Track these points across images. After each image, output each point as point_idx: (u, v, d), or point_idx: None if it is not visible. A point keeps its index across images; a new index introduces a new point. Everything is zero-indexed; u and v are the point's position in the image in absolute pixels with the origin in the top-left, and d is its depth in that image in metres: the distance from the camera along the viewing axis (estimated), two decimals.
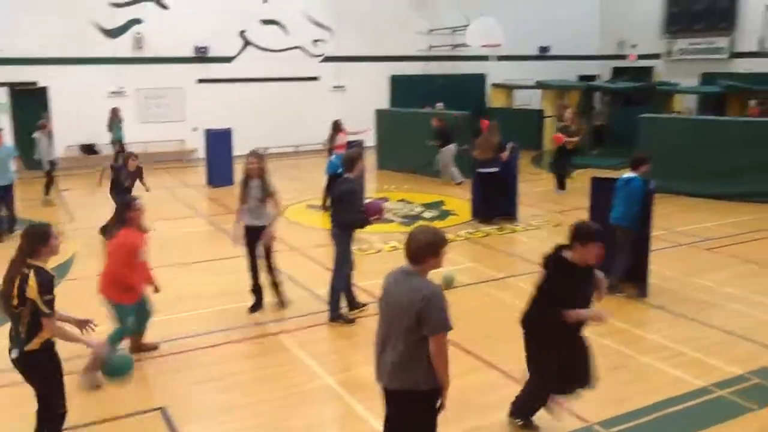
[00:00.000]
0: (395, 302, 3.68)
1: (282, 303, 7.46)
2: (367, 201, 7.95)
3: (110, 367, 4.77)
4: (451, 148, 15.06)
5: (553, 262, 4.58)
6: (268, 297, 7.48)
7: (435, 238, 3.68)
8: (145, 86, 18.79)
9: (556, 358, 4.54)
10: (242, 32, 19.90)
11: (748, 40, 20.66)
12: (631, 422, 5.06)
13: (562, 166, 14.34)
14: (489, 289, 8.13)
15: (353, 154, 6.97)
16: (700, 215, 11.78)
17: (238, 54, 19.97)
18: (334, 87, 21.27)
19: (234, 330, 6.93)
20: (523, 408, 4.90)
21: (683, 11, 22.82)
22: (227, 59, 19.78)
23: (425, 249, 3.64)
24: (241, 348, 6.58)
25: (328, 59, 21.09)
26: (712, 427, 4.99)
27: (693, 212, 12.02)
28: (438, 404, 3.74)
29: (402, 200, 13.53)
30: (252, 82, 19.87)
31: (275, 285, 7.42)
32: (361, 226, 7.02)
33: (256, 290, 7.38)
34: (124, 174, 10.14)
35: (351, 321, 7.05)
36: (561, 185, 14.11)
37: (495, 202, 11.36)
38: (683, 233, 10.58)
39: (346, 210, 6.75)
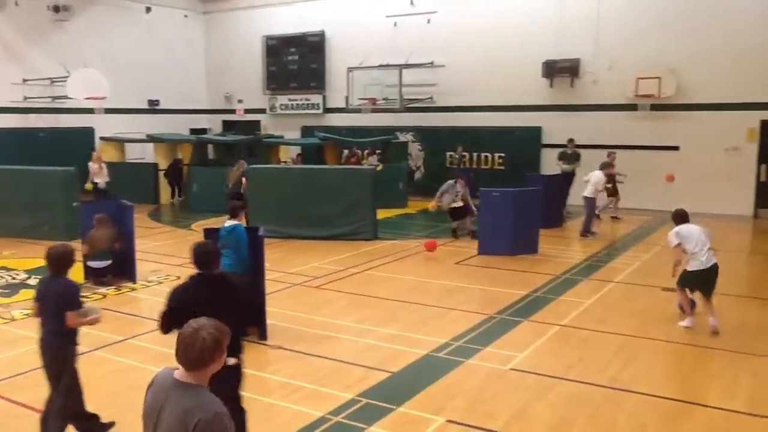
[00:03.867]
0: (162, 426, 2.90)
1: None
2: None
3: None
4: None
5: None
6: None
7: (219, 333, 2.93)
8: None
9: None
10: None
11: (337, 98, 23.35)
12: None
13: None
14: (107, 355, 7.70)
15: None
16: (309, 256, 12.84)
17: None
18: None
19: None
20: None
21: (281, 70, 24.86)
22: None
23: (211, 349, 2.88)
24: None
25: None
26: None
27: (303, 254, 13.04)
28: None
29: (2, 268, 12.06)
30: None
31: None
32: None
33: None
34: None
35: None
36: None
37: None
38: (296, 274, 11.42)
39: None
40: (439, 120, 21.66)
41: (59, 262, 5.32)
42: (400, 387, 6.77)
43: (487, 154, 21.11)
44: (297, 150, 22.69)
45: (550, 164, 18.94)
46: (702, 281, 8.38)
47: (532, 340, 8.18)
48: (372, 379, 6.94)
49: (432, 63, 21.30)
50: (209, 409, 2.83)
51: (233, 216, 8.09)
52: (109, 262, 10.80)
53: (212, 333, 2.89)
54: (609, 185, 15.85)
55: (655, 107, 18.49)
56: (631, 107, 18.76)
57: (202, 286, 4.95)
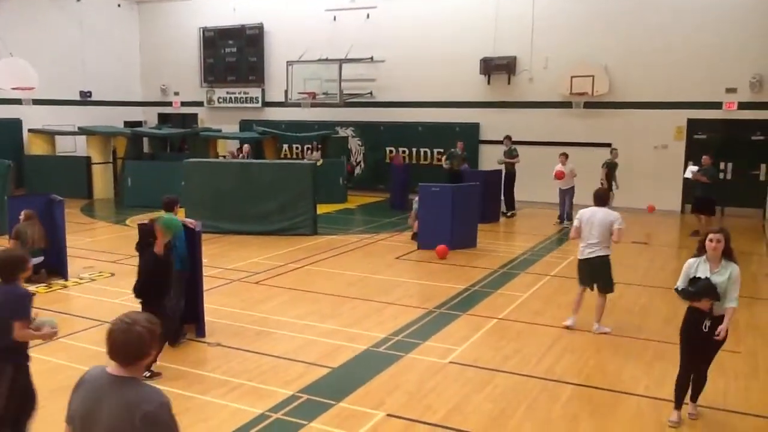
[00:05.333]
0: (100, 425, 2.82)
1: None
2: None
3: None
4: None
5: None
6: None
7: (154, 325, 2.94)
8: None
9: None
10: None
11: (276, 92, 23.11)
12: None
13: None
14: (37, 355, 7.42)
15: None
16: (248, 252, 12.70)
17: None
18: None
19: None
20: None
21: (218, 63, 24.43)
22: None
23: (148, 343, 2.88)
24: None
25: None
26: None
27: (241, 249, 12.89)
28: None
29: None
30: None
31: None
32: None
33: None
34: None
35: None
36: None
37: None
38: (235, 270, 11.28)
39: None
40: (379, 115, 21.70)
41: (7, 267, 4.79)
42: (341, 382, 6.77)
43: (426, 149, 21.29)
44: (236, 144, 22.35)
45: (488, 160, 19.24)
46: (582, 272, 8.32)
47: (470, 333, 8.30)
48: (312, 374, 6.92)
49: (371, 58, 21.31)
50: (153, 400, 2.83)
51: (168, 210, 7.92)
52: (41, 259, 10.45)
53: (146, 326, 2.89)
54: (604, 182, 16.21)
55: (588, 105, 18.98)
56: (566, 105, 19.20)
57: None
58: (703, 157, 14.98)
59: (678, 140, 18.24)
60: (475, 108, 20.41)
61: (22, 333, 4.69)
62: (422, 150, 21.34)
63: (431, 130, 20.95)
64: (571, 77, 18.65)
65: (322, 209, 15.60)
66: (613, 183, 16.26)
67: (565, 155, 15.81)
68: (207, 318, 8.15)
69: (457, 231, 12.98)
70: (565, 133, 19.05)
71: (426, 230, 13.02)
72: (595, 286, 8.33)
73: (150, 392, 2.88)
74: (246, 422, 5.83)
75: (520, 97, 19.84)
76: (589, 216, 8.15)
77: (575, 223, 8.32)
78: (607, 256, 8.15)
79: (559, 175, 15.52)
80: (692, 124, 18.12)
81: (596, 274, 8.22)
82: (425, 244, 12.92)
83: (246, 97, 24.18)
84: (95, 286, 10.31)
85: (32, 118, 21.54)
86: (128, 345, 2.83)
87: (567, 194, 15.85)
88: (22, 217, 10.47)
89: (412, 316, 8.91)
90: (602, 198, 8.28)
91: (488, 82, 20.14)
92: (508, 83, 19.89)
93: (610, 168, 16.37)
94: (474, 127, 20.47)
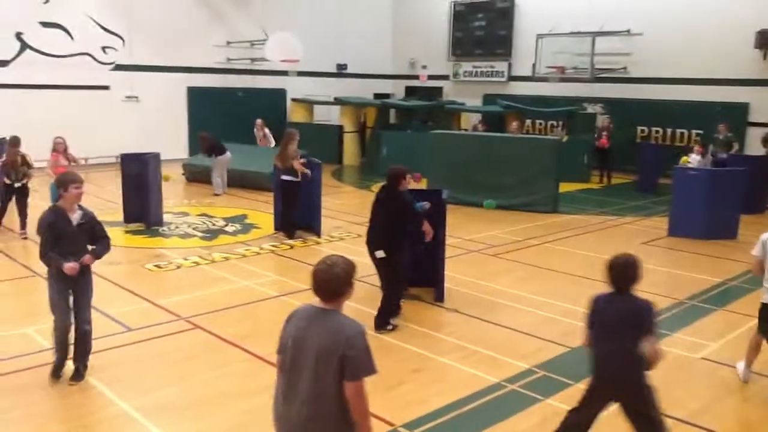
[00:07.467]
0: (310, 347, 3.27)
1: None
2: None
3: None
4: (222, 159, 15.45)
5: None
6: None
7: (349, 267, 3.37)
8: None
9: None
10: (19, 34, 18.22)
11: (522, 66, 22.73)
12: (434, 422, 5.30)
13: None
14: (295, 301, 8.12)
15: (68, 177, 5.65)
16: (486, 224, 12.71)
17: (15, 58, 18.24)
18: (127, 97, 20.17)
19: (5, 361, 6.25)
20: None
21: (467, 37, 24.60)
22: (1, 63, 18.01)
23: (345, 282, 3.32)
24: (17, 380, 5.91)
25: (120, 68, 19.97)
26: (506, 419, 5.36)
27: (480, 222, 12.94)
28: None
29: (203, 215, 13.16)
30: (32, 89, 18.21)
31: None
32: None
33: None
34: None
35: None
36: None
37: (296, 215, 11.42)
38: (473, 241, 11.37)
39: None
40: (631, 92, 20.40)
41: (625, 276, 4.57)
42: (580, 364, 6.46)
43: (683, 130, 19.65)
44: (478, 117, 22.42)
45: (756, 144, 17.24)
46: (765, 320, 5.97)
47: (725, 331, 7.55)
48: (549, 352, 6.76)
49: (628, 31, 20.04)
50: (354, 326, 3.29)
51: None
52: (298, 179, 11.23)
53: (343, 268, 3.33)
54: None
55: None
56: None
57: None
58: None
59: None
60: (744, 86, 18.35)
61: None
62: (678, 131, 19.74)
63: (689, 109, 19.26)
64: None
65: (563, 188, 15.11)
66: None
67: None
68: (446, 285, 8.31)
69: (714, 219, 11.84)
70: None
71: (679, 216, 12.05)
72: None
73: (350, 322, 3.31)
74: (482, 388, 5.85)
75: None
76: None
77: (756, 251, 5.93)
78: None
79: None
80: None
81: None
82: (677, 231, 11.98)
83: (491, 71, 24.12)
84: (343, 244, 10.99)
85: (294, 88, 23.50)
86: (328, 283, 3.29)
87: None
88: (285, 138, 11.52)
89: (659, 306, 8.25)
90: None
91: (764, 57, 17.96)
92: None
93: None
94: (741, 107, 18.44)
